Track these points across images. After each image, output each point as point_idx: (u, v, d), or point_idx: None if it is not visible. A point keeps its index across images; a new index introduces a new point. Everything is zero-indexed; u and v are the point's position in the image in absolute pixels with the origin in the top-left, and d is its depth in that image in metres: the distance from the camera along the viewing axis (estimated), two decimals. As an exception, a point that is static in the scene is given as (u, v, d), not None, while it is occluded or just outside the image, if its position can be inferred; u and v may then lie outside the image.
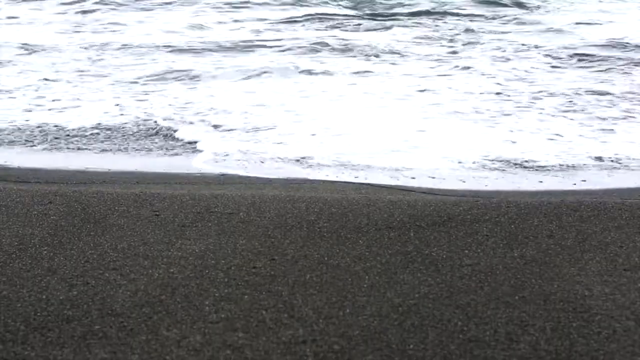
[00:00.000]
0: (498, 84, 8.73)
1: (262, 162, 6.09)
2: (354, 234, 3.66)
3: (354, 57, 10.44)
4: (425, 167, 5.96)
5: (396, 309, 2.82)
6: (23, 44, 11.20)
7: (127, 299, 2.89)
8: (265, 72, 9.54)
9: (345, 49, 10.81)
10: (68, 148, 6.70)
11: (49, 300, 2.87)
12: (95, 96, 8.45)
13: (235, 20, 13.12)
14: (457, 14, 13.27)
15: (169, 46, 11.15)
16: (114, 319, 2.72)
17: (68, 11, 13.73)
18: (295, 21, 12.93)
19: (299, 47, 10.98)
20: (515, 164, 6.00)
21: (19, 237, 3.59)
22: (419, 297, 2.92)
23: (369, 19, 13.23)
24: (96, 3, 14.02)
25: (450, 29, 12.14)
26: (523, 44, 10.98)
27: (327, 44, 11.06)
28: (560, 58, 10.14)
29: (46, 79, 9.21)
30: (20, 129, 7.17)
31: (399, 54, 10.55)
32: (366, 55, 10.47)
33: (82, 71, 9.69)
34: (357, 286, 3.03)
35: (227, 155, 6.29)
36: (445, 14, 13.26)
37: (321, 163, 5.99)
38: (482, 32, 11.96)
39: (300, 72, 9.55)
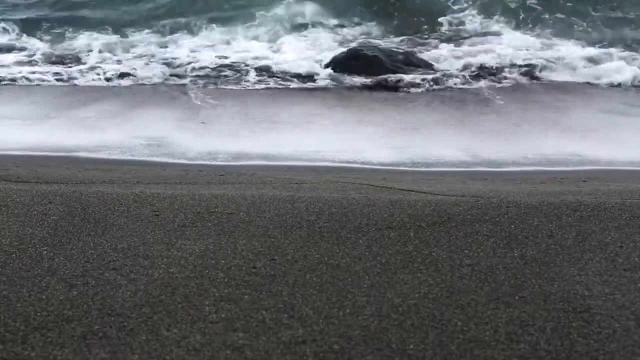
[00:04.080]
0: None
1: None
2: (354, 234, 3.66)
3: None
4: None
5: (396, 309, 2.81)
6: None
7: (127, 299, 2.89)
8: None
9: None
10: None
11: (49, 300, 2.87)
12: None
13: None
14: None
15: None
16: (114, 319, 2.72)
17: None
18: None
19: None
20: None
21: (19, 237, 3.59)
22: (419, 297, 2.92)
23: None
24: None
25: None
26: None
27: None
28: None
29: None
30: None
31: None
32: None
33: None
34: (357, 286, 3.03)
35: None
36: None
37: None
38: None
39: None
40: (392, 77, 10.88)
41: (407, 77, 10.89)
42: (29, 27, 13.47)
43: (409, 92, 10.60)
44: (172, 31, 13.37)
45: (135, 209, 4.07)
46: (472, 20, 13.44)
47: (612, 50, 11.96)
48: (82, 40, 12.84)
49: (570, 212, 4.00)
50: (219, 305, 2.84)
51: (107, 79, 11.10)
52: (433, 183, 5.68)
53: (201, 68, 11.43)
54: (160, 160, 7.56)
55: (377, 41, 12.71)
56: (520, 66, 11.44)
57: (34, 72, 11.34)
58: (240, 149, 7.99)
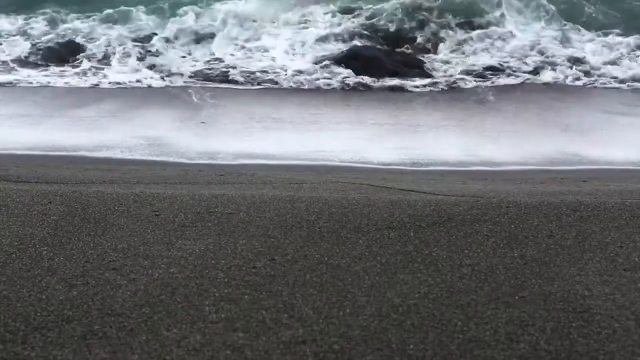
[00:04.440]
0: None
1: None
2: (354, 234, 3.66)
3: None
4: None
5: (396, 309, 2.81)
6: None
7: (127, 299, 2.89)
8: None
9: None
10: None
11: (49, 300, 2.87)
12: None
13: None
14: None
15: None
16: (114, 319, 2.72)
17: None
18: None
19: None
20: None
21: (19, 237, 3.59)
22: (419, 297, 2.92)
23: None
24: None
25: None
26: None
27: None
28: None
29: None
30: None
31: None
32: None
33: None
34: (357, 286, 3.03)
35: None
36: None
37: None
38: None
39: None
40: (392, 77, 10.88)
41: (407, 78, 10.89)
42: (26, 11, 13.33)
43: (409, 92, 10.60)
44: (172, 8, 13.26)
45: (135, 209, 4.07)
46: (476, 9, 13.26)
47: (619, 45, 11.86)
48: (81, 28, 12.70)
49: (570, 212, 4.00)
50: (219, 305, 2.84)
51: (111, 81, 11.07)
52: (433, 183, 5.68)
53: (199, 71, 11.39)
54: (160, 160, 7.56)
55: (377, 25, 12.68)
56: (520, 66, 11.41)
57: (34, 74, 11.32)
58: (240, 149, 7.99)
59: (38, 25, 12.93)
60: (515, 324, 2.69)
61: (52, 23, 12.97)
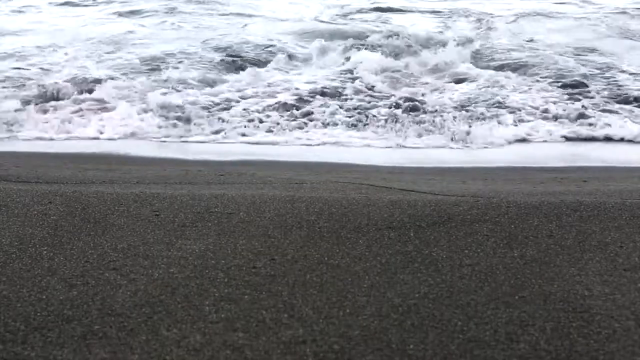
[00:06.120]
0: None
1: None
2: (354, 234, 3.66)
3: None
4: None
5: (396, 309, 2.82)
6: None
7: (127, 299, 2.89)
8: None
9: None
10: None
11: (49, 300, 2.87)
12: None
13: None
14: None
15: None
16: (114, 319, 2.72)
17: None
18: None
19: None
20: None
21: (19, 237, 3.59)
22: (419, 297, 2.92)
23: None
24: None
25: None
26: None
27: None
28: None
29: None
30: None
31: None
32: None
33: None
34: (357, 286, 3.03)
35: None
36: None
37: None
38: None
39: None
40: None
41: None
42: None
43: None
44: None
45: (135, 209, 4.07)
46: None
47: None
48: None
49: (570, 212, 4.00)
50: (219, 305, 2.84)
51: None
52: (433, 183, 5.68)
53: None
54: (161, 159, 7.56)
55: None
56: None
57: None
58: (240, 148, 7.99)
59: None
60: (515, 324, 2.69)
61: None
